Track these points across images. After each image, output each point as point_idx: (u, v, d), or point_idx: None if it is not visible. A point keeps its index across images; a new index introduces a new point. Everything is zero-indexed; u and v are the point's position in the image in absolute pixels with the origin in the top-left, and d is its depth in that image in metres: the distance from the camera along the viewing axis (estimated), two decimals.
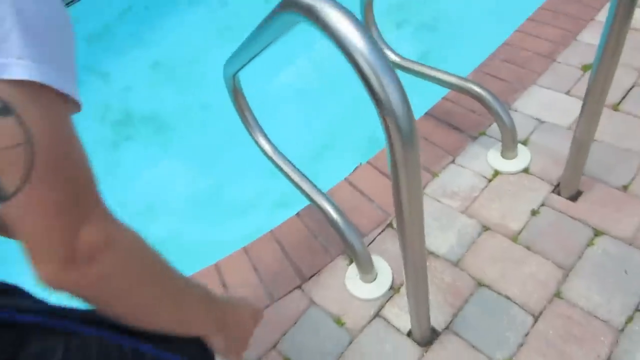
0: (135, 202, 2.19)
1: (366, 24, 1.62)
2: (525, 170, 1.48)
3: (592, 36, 1.87)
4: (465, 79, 1.51)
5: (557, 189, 1.41)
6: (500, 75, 1.81)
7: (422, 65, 1.59)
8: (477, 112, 1.69)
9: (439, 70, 1.56)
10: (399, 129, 0.61)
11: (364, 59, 0.58)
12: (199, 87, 2.85)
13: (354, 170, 1.64)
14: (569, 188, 1.37)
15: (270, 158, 1.42)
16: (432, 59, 2.54)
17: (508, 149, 1.48)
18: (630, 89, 1.64)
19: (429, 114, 1.75)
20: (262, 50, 1.00)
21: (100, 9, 3.60)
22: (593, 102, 1.13)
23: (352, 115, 2.25)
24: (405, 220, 0.79)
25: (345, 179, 1.62)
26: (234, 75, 1.29)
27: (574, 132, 1.24)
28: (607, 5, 1.95)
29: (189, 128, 2.58)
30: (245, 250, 1.53)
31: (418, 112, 1.78)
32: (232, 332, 0.62)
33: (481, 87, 1.45)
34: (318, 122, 2.34)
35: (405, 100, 0.60)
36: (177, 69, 3.04)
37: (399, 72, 1.65)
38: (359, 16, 1.63)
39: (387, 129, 0.62)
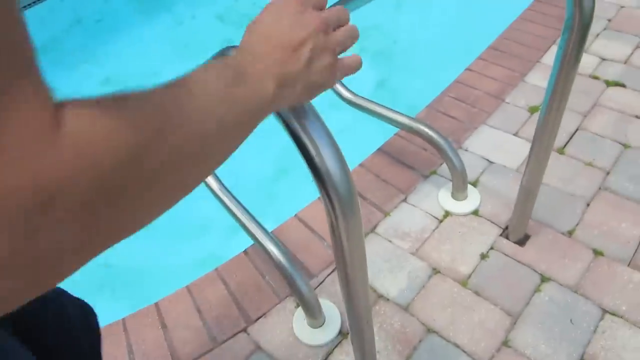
0: None
1: None
2: (475, 212, 1.49)
3: (538, 78, 1.93)
4: (416, 120, 1.51)
5: (505, 232, 1.42)
6: (452, 114, 1.83)
7: (375, 103, 1.58)
8: (428, 150, 1.69)
9: (390, 109, 1.55)
10: (341, 203, 0.58)
11: (304, 133, 0.54)
12: None
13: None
14: (517, 232, 1.38)
15: (216, 195, 1.35)
16: (389, 88, 2.56)
17: (458, 190, 1.49)
18: (575, 132, 1.69)
19: (382, 150, 1.74)
20: None
21: (47, 20, 3.44)
22: (540, 150, 1.14)
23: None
24: (350, 285, 0.75)
25: (295, 215, 1.58)
26: None
27: (522, 179, 1.25)
28: (553, 49, 2.03)
29: None
30: (189, 289, 1.45)
31: (372, 147, 1.77)
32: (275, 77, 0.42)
33: (432, 128, 1.45)
34: (268, 152, 2.29)
35: (346, 175, 0.56)
36: (130, 86, 2.90)
37: (352, 109, 1.65)
38: (360, 87, 1.62)
39: (328, 204, 0.58)
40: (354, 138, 2.07)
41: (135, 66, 3.02)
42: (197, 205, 2.07)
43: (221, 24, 3.34)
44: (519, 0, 2.43)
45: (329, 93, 1.70)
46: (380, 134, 1.82)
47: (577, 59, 0.96)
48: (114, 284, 1.90)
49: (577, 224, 1.41)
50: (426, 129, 1.45)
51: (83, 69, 3.05)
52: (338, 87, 1.62)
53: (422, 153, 1.70)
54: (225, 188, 1.37)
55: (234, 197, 1.36)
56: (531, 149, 1.17)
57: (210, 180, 1.35)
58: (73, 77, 2.96)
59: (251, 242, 1.48)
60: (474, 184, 1.57)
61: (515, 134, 1.72)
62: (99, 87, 2.90)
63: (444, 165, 1.64)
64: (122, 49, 3.18)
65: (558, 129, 1.10)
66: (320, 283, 1.38)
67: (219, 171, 1.42)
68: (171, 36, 3.28)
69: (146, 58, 3.09)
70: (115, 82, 2.94)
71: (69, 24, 3.41)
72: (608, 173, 1.54)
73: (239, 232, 1.73)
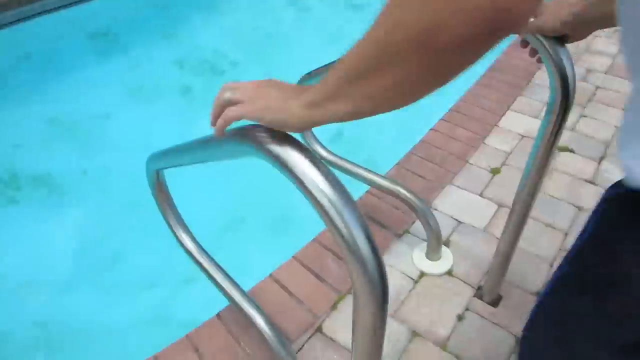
0: (13, 274, 1.89)
1: None
2: (449, 272, 1.52)
3: (496, 141, 2.06)
4: (392, 180, 1.54)
5: (478, 293, 1.46)
6: (420, 173, 1.90)
7: (351, 163, 1.60)
8: (400, 209, 1.73)
9: (367, 169, 1.58)
10: (371, 288, 0.57)
11: (340, 220, 0.54)
12: (101, 148, 2.64)
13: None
14: (491, 293, 1.42)
15: (194, 258, 1.29)
16: (347, 139, 2.60)
17: (433, 250, 1.52)
18: None
19: None
20: (199, 163, 0.92)
21: None
22: (519, 218, 1.20)
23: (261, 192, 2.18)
24: None
25: (270, 275, 1.53)
26: (158, 170, 1.18)
27: (498, 244, 1.30)
28: (508, 114, 2.18)
29: (86, 193, 2.33)
30: (156, 358, 1.35)
31: None
32: None
33: (409, 190, 1.49)
34: (225, 198, 2.25)
35: (378, 258, 0.56)
36: (78, 127, 2.79)
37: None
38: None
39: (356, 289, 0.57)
40: None
41: (86, 107, 2.90)
42: (144, 258, 1.98)
43: (179, 69, 3.30)
44: (474, 68, 2.61)
45: None
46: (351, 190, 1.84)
47: (557, 137, 1.04)
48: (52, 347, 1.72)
49: (542, 285, 1.48)
50: (403, 190, 1.49)
51: (28, 107, 2.88)
52: (314, 145, 1.64)
53: (394, 212, 1.73)
54: (205, 252, 1.31)
55: (213, 260, 1.31)
56: (509, 216, 1.22)
57: (189, 244, 1.29)
58: (16, 114, 2.80)
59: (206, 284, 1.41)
60: (446, 244, 1.61)
61: (480, 195, 1.80)
62: (44, 127, 2.75)
63: (416, 224, 1.68)
64: (73, 88, 3.05)
65: (535, 199, 1.16)
66: (300, 349, 1.34)
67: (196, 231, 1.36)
68: (125, 78, 3.18)
69: (97, 99, 2.97)
70: (63, 122, 2.80)
71: (17, 58, 3.24)
72: (567, 234, 1.64)
73: (193, 282, 1.64)
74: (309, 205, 0.64)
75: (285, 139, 0.64)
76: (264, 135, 0.65)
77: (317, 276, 1.53)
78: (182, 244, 1.31)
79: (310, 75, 1.53)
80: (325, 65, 1.49)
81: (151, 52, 3.41)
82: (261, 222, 2.11)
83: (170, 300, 1.83)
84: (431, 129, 2.12)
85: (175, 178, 1.29)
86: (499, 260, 1.31)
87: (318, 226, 1.70)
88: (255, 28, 3.71)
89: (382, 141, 2.57)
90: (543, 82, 2.42)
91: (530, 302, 1.43)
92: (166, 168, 1.14)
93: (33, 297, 1.84)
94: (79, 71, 3.20)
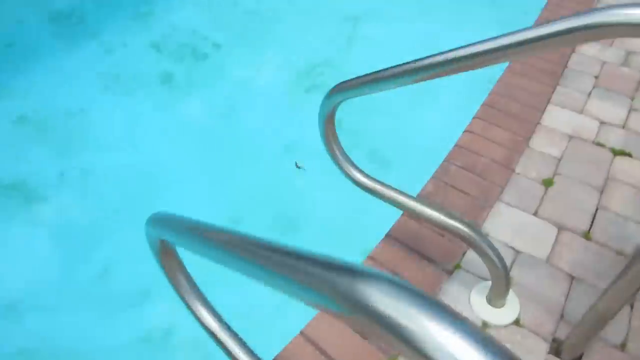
0: None
1: (327, 140, 1.32)
2: (516, 322, 1.28)
3: (543, 143, 1.79)
4: (448, 213, 1.26)
5: (554, 346, 1.22)
6: (462, 187, 1.63)
7: (391, 188, 1.31)
8: (445, 236, 1.47)
9: (411, 197, 1.29)
10: None
11: None
12: (79, 147, 2.36)
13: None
14: (573, 351, 1.18)
15: (216, 339, 1.01)
16: (347, 129, 2.30)
17: (498, 295, 1.27)
18: (596, 212, 1.55)
19: (391, 237, 1.48)
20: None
21: None
22: (627, 286, 0.95)
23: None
24: None
25: (301, 333, 1.27)
26: (164, 239, 0.88)
27: (599, 300, 1.05)
28: (550, 108, 1.91)
29: (67, 198, 2.08)
30: None
31: (377, 234, 1.51)
32: None
33: (467, 224, 1.22)
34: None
35: None
36: (50, 125, 2.47)
37: (364, 193, 1.38)
38: (316, 128, 1.34)
39: None
40: (354, 217, 1.78)
41: (57, 101, 2.55)
42: (135, 269, 1.72)
43: (157, 54, 2.93)
44: None
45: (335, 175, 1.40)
46: (380, 216, 1.55)
47: None
48: None
49: (627, 334, 1.25)
50: (460, 225, 1.21)
51: None
52: (350, 168, 1.34)
53: (439, 240, 1.47)
54: (228, 326, 1.03)
55: (236, 335, 1.03)
56: (627, 267, 0.97)
57: (210, 322, 1.01)
58: None
59: None
60: None
61: (535, 214, 1.55)
62: (11, 127, 2.41)
63: (468, 255, 1.42)
64: (40, 80, 2.68)
65: None
66: None
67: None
68: (99, 66, 2.81)
69: (70, 91, 2.63)
70: (33, 119, 2.46)
71: None
72: None
73: None
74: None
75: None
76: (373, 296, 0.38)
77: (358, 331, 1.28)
78: (202, 323, 1.03)
79: (342, 87, 1.23)
80: (357, 78, 1.20)
81: (124, 36, 3.02)
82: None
83: (169, 314, 1.61)
84: (466, 130, 1.84)
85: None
86: (596, 316, 1.07)
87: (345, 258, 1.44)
88: (235, 4, 3.32)
89: (385, 131, 2.30)
90: (578, 67, 2.15)
91: (617, 359, 1.20)
92: (180, 246, 0.85)
93: (17, 322, 1.63)
94: (45, 60, 2.82)
